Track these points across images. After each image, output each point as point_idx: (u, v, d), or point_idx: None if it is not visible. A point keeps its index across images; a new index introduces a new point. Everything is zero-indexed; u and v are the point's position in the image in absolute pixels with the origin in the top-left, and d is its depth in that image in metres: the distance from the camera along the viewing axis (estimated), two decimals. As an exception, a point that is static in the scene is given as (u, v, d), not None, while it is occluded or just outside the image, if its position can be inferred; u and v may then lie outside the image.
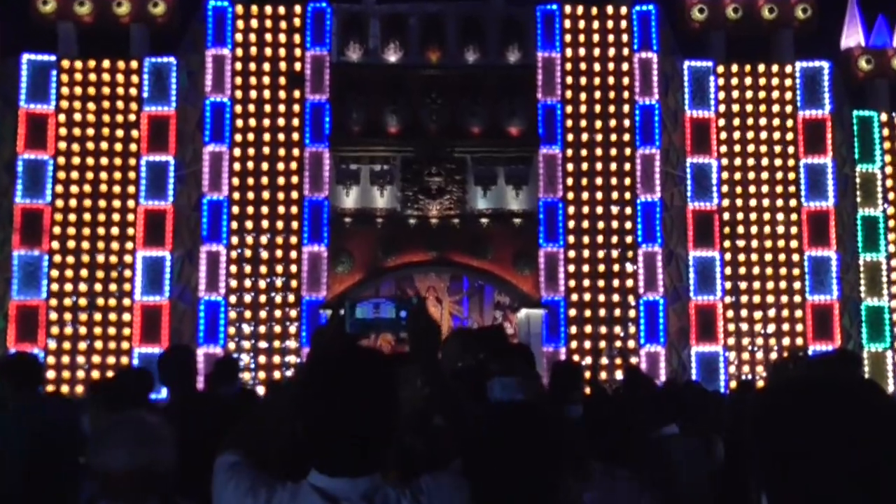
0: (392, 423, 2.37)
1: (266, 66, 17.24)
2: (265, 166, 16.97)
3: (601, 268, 17.12)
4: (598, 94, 17.53)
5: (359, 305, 2.76)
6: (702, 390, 8.40)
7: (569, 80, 17.51)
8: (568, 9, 17.55)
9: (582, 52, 17.59)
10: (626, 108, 17.50)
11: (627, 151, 17.39)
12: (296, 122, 17.12)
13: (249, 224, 16.85)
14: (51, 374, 15.88)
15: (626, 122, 17.46)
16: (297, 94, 17.16)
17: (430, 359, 2.82)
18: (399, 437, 2.44)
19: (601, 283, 17.09)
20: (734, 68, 17.80)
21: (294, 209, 16.92)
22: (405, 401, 2.62)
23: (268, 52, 17.26)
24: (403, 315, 2.76)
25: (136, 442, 3.05)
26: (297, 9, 17.25)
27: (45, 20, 17.09)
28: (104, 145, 16.86)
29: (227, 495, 2.42)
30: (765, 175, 17.54)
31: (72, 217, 16.65)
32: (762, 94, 17.75)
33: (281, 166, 16.99)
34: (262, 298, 16.72)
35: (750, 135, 17.64)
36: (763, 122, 17.68)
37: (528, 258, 16.99)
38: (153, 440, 3.11)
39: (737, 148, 17.61)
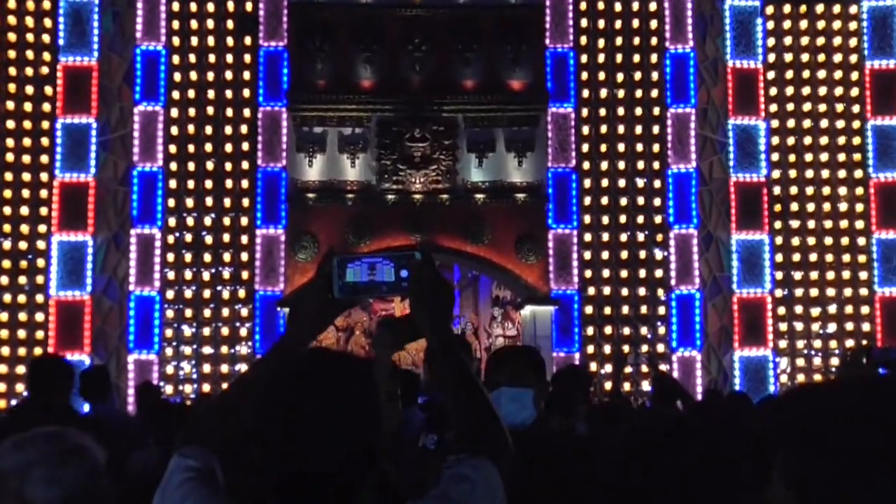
0: (372, 446, 2.32)
1: (210, 7, 17.24)
2: (209, 130, 16.98)
3: (624, 254, 17.21)
4: (619, 40, 17.57)
5: (349, 265, 2.68)
6: (744, 403, 8.35)
7: (584, 22, 17.55)
8: (582, -65, 17.59)
9: (600, -13, 17.70)
10: (654, 57, 17.54)
11: (656, 111, 17.46)
12: (247, 75, 17.12)
13: (190, 202, 16.85)
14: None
15: (655, 75, 17.51)
16: (247, 40, 17.17)
17: (437, 329, 2.69)
18: (380, 463, 2.38)
19: (624, 273, 17.18)
20: (786, 8, 17.83)
21: (245, 183, 16.96)
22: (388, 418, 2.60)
23: (212, -12, 17.33)
24: (405, 275, 2.68)
25: (57, 467, 3.00)
26: (248, -65, 17.26)
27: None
28: (10, 105, 16.81)
29: None
30: (824, 140, 17.58)
31: (-30, 194, 16.74)
32: (820, 41, 17.76)
33: (228, 130, 17.00)
34: (207, 293, 16.77)
35: (806, 90, 17.65)
36: (822, 74, 17.67)
37: (533, 243, 17.05)
38: (83, 465, 3.04)
39: (790, 106, 17.62)
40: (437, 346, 2.68)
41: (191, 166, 16.93)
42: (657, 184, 17.36)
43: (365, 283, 2.68)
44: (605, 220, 17.26)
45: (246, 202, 16.94)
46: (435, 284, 2.67)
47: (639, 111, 17.46)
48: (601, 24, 17.59)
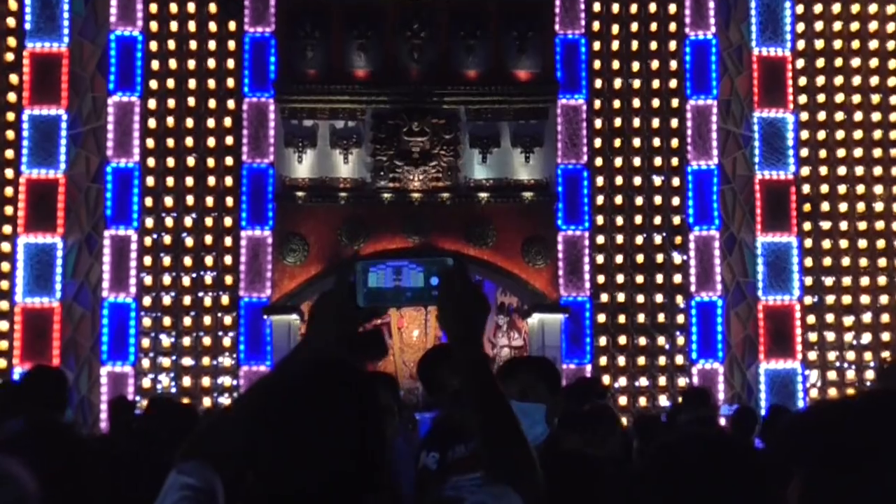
0: (372, 465, 2.32)
1: (191, -12, 16.94)
2: (190, 123, 16.87)
3: (639, 258, 17.08)
4: (635, 26, 17.46)
5: (372, 269, 2.72)
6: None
7: (596, 6, 17.46)
8: (594, -89, 17.42)
9: (614, -31, 17.41)
10: (672, 44, 17.43)
11: (675, 102, 17.33)
12: (231, 63, 17.03)
13: (169, 200, 16.72)
14: None
15: (673, 64, 17.40)
16: (232, 25, 17.10)
17: (467, 343, 2.68)
18: (384, 485, 2.39)
19: (639, 278, 17.06)
20: (817, -9, 17.63)
21: (229, 180, 16.85)
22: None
23: (193, -31, 17.02)
24: (435, 282, 2.70)
25: None
26: (232, -90, 17.14)
27: None
28: (-28, 95, 16.64)
29: None
30: (858, 133, 17.43)
31: (-70, 191, 16.36)
32: (854, 26, 17.63)
33: (211, 123, 16.91)
34: (187, 300, 16.67)
35: (838, 80, 17.50)
36: (855, 62, 17.54)
37: (542, 245, 16.93)
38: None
39: (820, 98, 17.50)
40: (464, 363, 2.66)
41: (170, 162, 16.80)
42: (676, 182, 17.20)
43: (390, 289, 2.72)
44: (620, 220, 17.14)
45: (230, 201, 16.82)
46: (468, 295, 2.69)
47: (656, 103, 17.34)
48: (615, 8, 17.44)
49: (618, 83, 17.33)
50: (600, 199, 17.11)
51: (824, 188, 17.36)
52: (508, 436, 2.60)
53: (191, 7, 17.04)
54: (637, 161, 17.20)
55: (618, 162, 17.20)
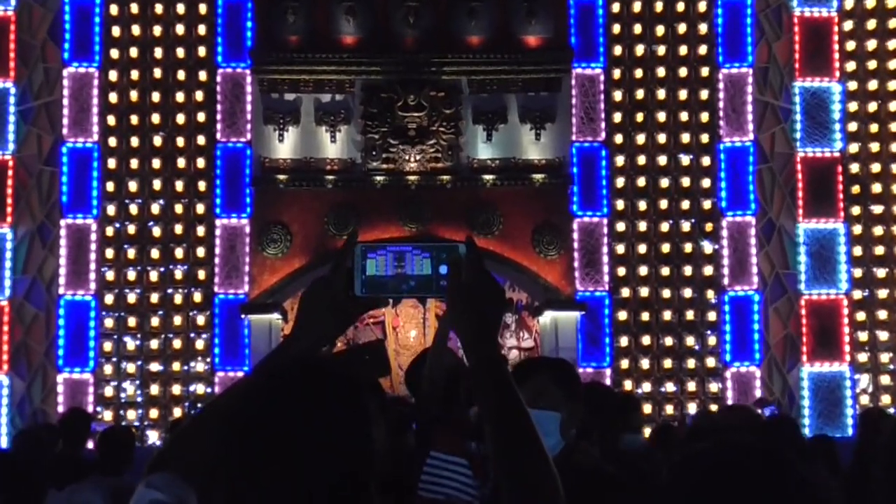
0: (364, 482, 2.23)
1: (156, -56, 16.57)
2: (156, 97, 16.78)
3: (665, 247, 16.95)
4: (659, -15, 16.81)
5: (371, 255, 2.66)
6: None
7: (615, -38, 16.90)
8: None
9: (634, -80, 17.05)
10: (701, 5, 17.34)
11: (705, 71, 17.24)
12: (202, 29, 16.99)
13: (133, 185, 16.63)
14: None
15: (703, 27, 17.31)
16: (204, -14, 16.61)
17: (481, 343, 2.56)
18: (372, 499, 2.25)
19: (665, 270, 16.93)
20: (866, -57, 17.37)
21: (201, 162, 16.75)
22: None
23: (159, -78, 16.72)
24: (444, 271, 2.63)
25: None
26: None
27: None
28: (-89, 67, 16.33)
29: None
30: (914, 105, 16.82)
31: None
32: (909, -18, 16.95)
33: (180, 97, 16.82)
34: (154, 297, 16.56)
35: (891, 44, 17.39)
36: (910, 24, 16.88)
37: (554, 234, 16.77)
38: None
39: (871, 64, 17.42)
40: (478, 366, 2.56)
41: (134, 142, 16.70)
42: (706, 161, 17.07)
43: (391, 278, 2.67)
44: (642, 205, 17.03)
45: (202, 186, 16.73)
46: (483, 287, 2.60)
47: (683, 72, 17.23)
48: (637, -35, 16.98)
49: (640, 50, 17.22)
50: (620, 182, 16.97)
51: (875, 167, 17.22)
52: (525, 449, 2.52)
53: (156, -35, 16.54)
54: (662, 138, 17.06)
55: (640, 139, 17.06)
